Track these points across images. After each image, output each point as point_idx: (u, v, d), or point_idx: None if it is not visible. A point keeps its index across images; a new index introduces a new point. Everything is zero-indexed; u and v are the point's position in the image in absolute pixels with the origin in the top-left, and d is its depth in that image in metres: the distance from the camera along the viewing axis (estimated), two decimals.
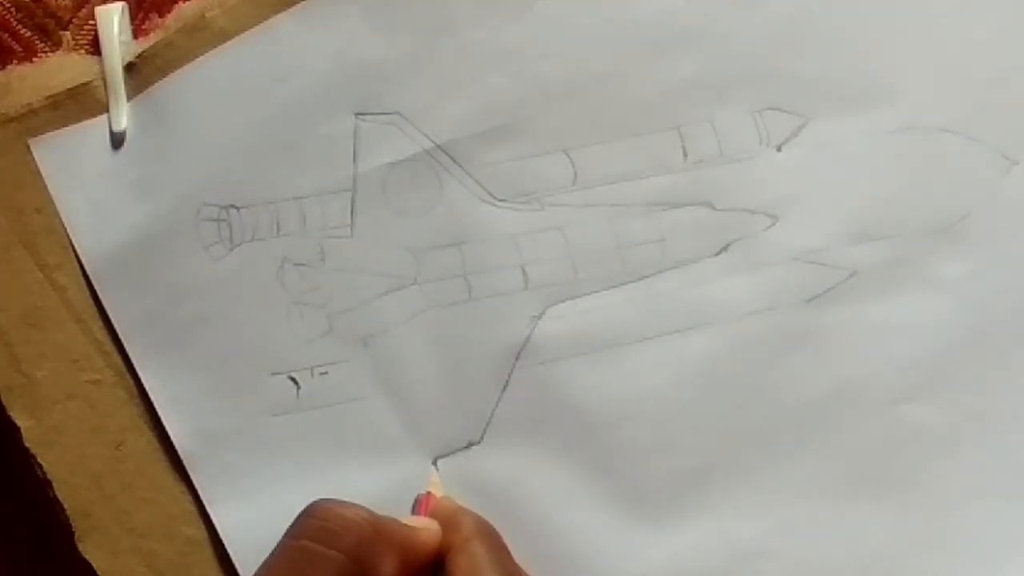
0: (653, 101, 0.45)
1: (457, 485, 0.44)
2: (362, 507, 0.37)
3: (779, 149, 0.45)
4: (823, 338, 0.43)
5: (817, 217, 0.44)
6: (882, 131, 0.45)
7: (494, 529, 0.41)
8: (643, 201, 0.45)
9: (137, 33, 0.50)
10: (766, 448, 0.43)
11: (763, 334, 0.44)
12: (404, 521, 0.39)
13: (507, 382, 0.44)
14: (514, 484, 0.44)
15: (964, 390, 0.43)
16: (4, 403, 0.47)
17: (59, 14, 0.51)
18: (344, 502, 0.37)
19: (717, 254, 0.44)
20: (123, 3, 0.50)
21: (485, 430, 0.44)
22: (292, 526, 0.36)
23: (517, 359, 0.44)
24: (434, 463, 0.44)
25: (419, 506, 0.42)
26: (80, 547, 0.46)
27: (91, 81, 0.49)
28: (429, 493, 0.43)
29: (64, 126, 0.49)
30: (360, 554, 0.35)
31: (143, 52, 0.49)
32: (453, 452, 0.44)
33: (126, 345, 0.46)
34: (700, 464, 0.43)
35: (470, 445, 0.44)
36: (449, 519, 0.40)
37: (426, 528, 0.39)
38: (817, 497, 0.43)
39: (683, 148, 0.45)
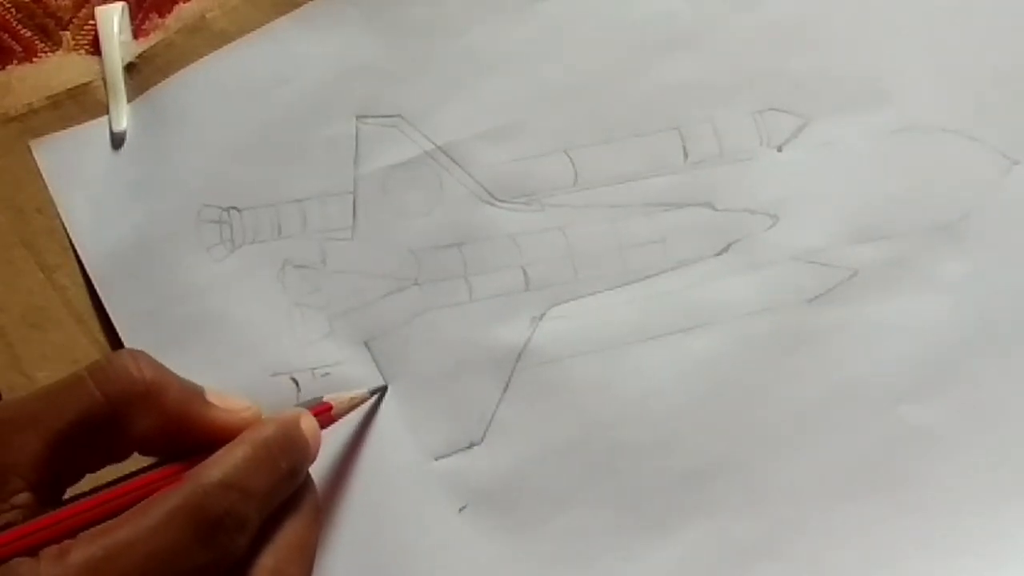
0: (654, 101, 0.45)
1: (458, 485, 0.44)
2: (160, 369, 0.37)
3: (780, 149, 0.45)
4: (824, 338, 0.43)
5: (818, 217, 0.44)
6: (882, 131, 0.45)
7: (289, 456, 0.38)
8: (644, 201, 0.45)
9: (137, 33, 0.50)
10: (767, 448, 0.43)
11: (764, 334, 0.44)
12: (217, 394, 0.39)
13: (508, 383, 0.44)
14: (515, 484, 0.44)
15: (965, 390, 0.43)
16: None
17: (59, 14, 0.51)
18: (147, 359, 0.37)
19: (718, 254, 0.44)
20: (123, 3, 0.50)
21: (486, 431, 0.44)
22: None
23: (518, 360, 0.44)
24: (377, 392, 0.45)
25: (308, 405, 0.41)
26: None
27: (91, 81, 0.49)
28: (324, 401, 0.42)
29: (64, 126, 0.49)
30: (119, 403, 0.36)
31: (143, 52, 0.49)
32: (454, 452, 0.44)
33: (127, 346, 0.46)
34: (701, 464, 0.43)
35: (471, 445, 0.44)
36: (267, 420, 0.39)
37: (225, 410, 0.38)
38: (818, 497, 0.42)
39: (684, 148, 0.45)
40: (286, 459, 0.37)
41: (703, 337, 0.44)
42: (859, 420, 0.43)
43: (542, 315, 0.44)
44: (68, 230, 0.48)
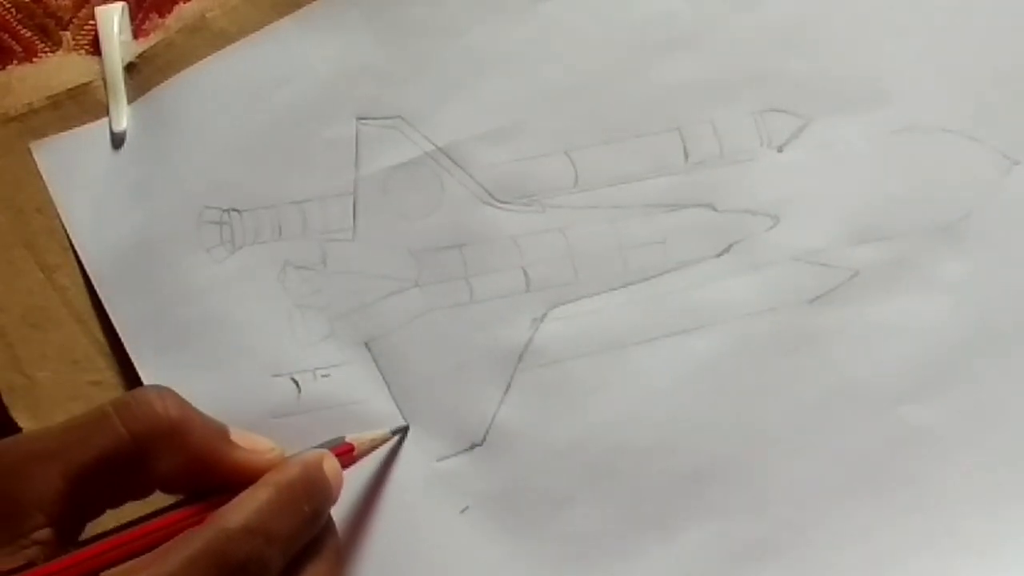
0: (654, 102, 0.45)
1: (460, 487, 0.44)
2: (186, 408, 0.37)
3: (780, 150, 0.45)
4: (825, 339, 0.43)
5: (818, 218, 0.44)
6: (883, 131, 0.45)
7: (310, 501, 0.38)
8: (644, 202, 0.45)
9: (137, 33, 0.50)
10: (768, 449, 0.43)
11: (765, 335, 0.44)
12: (241, 434, 0.39)
13: (509, 384, 0.44)
14: (516, 486, 0.44)
15: (965, 390, 0.43)
16: (6, 404, 0.47)
17: (59, 14, 0.51)
18: (173, 397, 0.37)
19: (718, 255, 0.44)
20: (123, 3, 0.50)
21: (487, 432, 0.44)
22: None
23: (519, 361, 0.44)
24: (398, 433, 0.44)
25: (330, 446, 0.41)
26: None
27: (91, 81, 0.49)
28: (346, 442, 0.41)
29: (64, 126, 0.49)
30: (144, 441, 0.36)
31: (143, 52, 0.49)
32: (455, 454, 0.44)
33: (127, 347, 0.46)
34: (702, 465, 0.43)
35: (472, 447, 0.44)
36: (290, 462, 0.39)
37: (250, 451, 0.38)
38: (819, 497, 0.42)
39: (684, 149, 0.45)
40: (309, 502, 0.37)
41: (704, 338, 0.44)
42: (860, 421, 0.43)
43: (543, 316, 0.44)
44: (68, 232, 0.48)
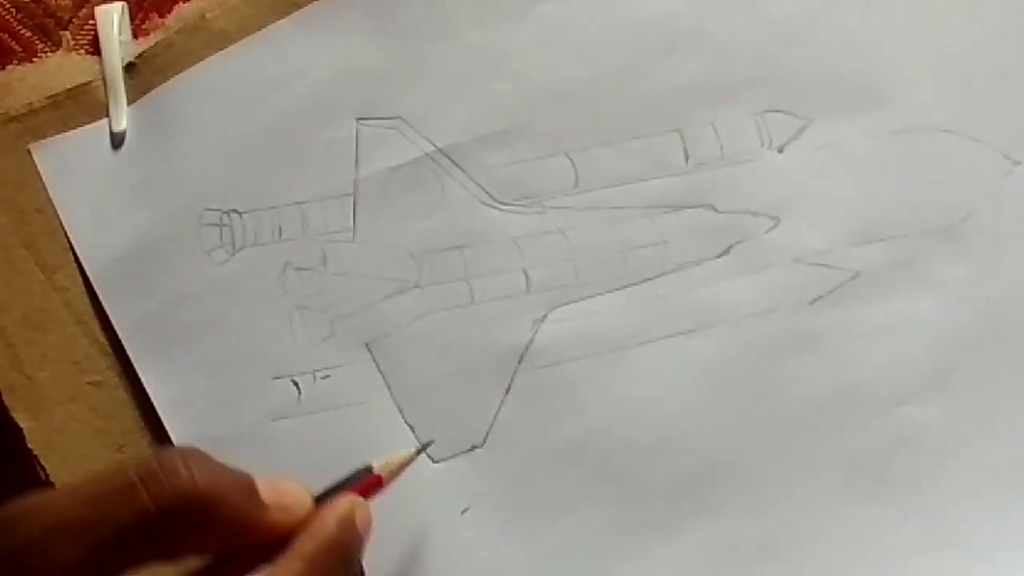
0: (654, 103, 0.45)
1: (460, 487, 0.44)
2: (213, 473, 0.36)
3: (781, 151, 0.45)
4: (825, 340, 0.43)
5: (819, 219, 0.44)
6: (883, 132, 0.45)
7: (346, 555, 0.38)
8: (645, 203, 0.45)
9: (137, 33, 0.50)
10: (769, 450, 0.43)
11: (765, 336, 0.44)
12: (270, 488, 0.37)
13: (509, 385, 0.44)
14: (517, 487, 0.44)
15: (966, 391, 0.43)
16: (6, 404, 0.47)
17: (59, 14, 0.51)
18: (199, 461, 0.36)
19: (719, 256, 0.44)
20: (123, 3, 0.50)
21: (488, 433, 0.44)
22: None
23: (520, 362, 0.44)
24: (422, 450, 0.43)
25: (354, 480, 0.40)
26: None
27: (91, 81, 0.49)
28: (373, 472, 0.41)
29: (64, 126, 0.49)
30: (172, 514, 0.35)
31: (143, 52, 0.49)
32: (456, 455, 0.44)
33: (128, 349, 0.46)
34: (703, 466, 0.43)
35: (473, 448, 0.44)
36: (324, 514, 0.38)
37: (280, 510, 0.37)
38: (820, 498, 0.43)
39: (685, 150, 0.45)
40: (341, 563, 0.37)
41: (705, 339, 0.44)
42: (860, 421, 0.43)
43: (543, 317, 0.44)
44: (68, 234, 0.48)
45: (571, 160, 0.45)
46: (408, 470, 0.42)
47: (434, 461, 0.44)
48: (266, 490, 0.37)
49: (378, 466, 0.41)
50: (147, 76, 0.49)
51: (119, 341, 0.47)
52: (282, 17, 0.48)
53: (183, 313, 0.46)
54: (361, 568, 0.40)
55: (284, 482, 0.38)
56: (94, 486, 0.35)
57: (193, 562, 0.37)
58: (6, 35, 0.51)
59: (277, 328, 0.46)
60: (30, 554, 0.34)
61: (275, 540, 0.36)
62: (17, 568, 0.34)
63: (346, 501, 0.39)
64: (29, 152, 0.49)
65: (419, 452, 0.43)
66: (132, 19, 0.50)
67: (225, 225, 0.46)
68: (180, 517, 0.35)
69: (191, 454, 0.36)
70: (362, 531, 0.38)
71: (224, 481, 0.36)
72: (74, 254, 0.48)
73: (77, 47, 0.51)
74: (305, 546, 0.36)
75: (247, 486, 0.37)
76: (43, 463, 0.46)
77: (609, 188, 0.45)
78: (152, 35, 0.50)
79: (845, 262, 0.44)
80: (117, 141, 0.49)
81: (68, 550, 0.34)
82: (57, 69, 0.50)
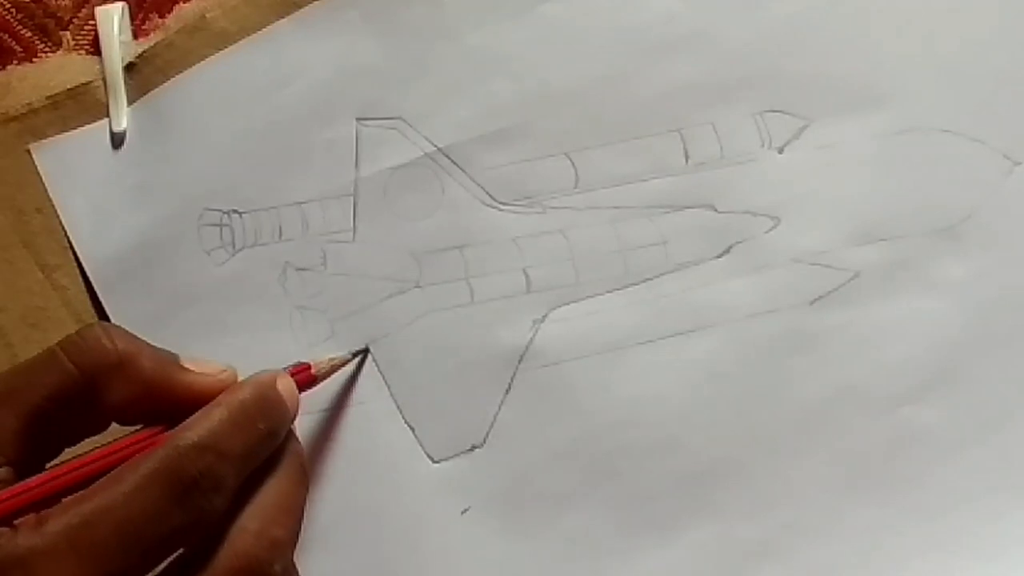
0: (654, 103, 0.45)
1: (460, 487, 0.44)
2: (134, 339, 0.37)
3: (781, 151, 0.45)
4: (825, 340, 0.43)
5: (819, 219, 0.44)
6: (883, 132, 0.45)
7: (265, 412, 0.38)
8: (645, 203, 0.45)
9: (137, 33, 0.50)
10: (769, 450, 0.43)
11: (765, 336, 0.44)
12: (192, 363, 0.38)
13: (509, 385, 0.44)
14: (517, 487, 0.44)
15: (966, 391, 0.43)
16: None
17: (59, 14, 0.51)
18: (120, 331, 0.37)
19: (719, 256, 0.44)
20: (123, 3, 0.50)
21: (488, 433, 0.44)
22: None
23: (519, 362, 0.44)
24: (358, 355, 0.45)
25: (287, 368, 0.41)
26: None
27: (91, 81, 0.49)
28: (303, 364, 0.41)
29: (64, 126, 0.49)
30: (93, 375, 0.36)
31: (143, 52, 0.49)
32: (456, 455, 0.44)
33: None
34: (703, 466, 0.43)
35: (473, 448, 0.44)
36: (243, 382, 0.39)
37: (202, 374, 0.38)
38: (820, 499, 0.43)
39: (685, 150, 0.45)
40: (264, 419, 0.37)
41: (705, 339, 0.44)
42: (860, 421, 0.43)
43: (544, 317, 0.44)
44: (68, 234, 0.48)
45: (571, 160, 0.45)
46: (408, 470, 0.42)
47: (434, 461, 0.44)
48: (189, 360, 0.38)
49: (314, 362, 0.42)
50: (147, 76, 0.49)
51: None
52: (282, 17, 0.48)
53: (183, 313, 0.46)
54: (295, 443, 0.40)
55: (208, 359, 0.39)
56: (21, 363, 0.36)
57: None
58: (6, 35, 0.51)
59: (277, 328, 0.46)
60: None
61: (199, 404, 0.37)
62: None
63: (270, 370, 0.39)
64: (29, 152, 0.49)
65: (354, 356, 0.44)
66: (132, 19, 0.50)
67: (225, 225, 0.46)
68: (101, 376, 0.36)
69: (112, 327, 0.37)
70: (287, 398, 0.39)
71: (143, 347, 0.37)
72: (74, 254, 0.48)
73: (77, 47, 0.51)
74: (226, 396, 0.37)
75: (169, 354, 0.38)
76: None
77: (609, 188, 0.45)
78: (152, 35, 0.50)
79: (845, 262, 0.44)
80: (117, 141, 0.49)
81: (1, 420, 0.35)
82: (57, 69, 0.50)
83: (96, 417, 0.37)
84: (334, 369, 0.43)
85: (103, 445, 0.36)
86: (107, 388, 0.36)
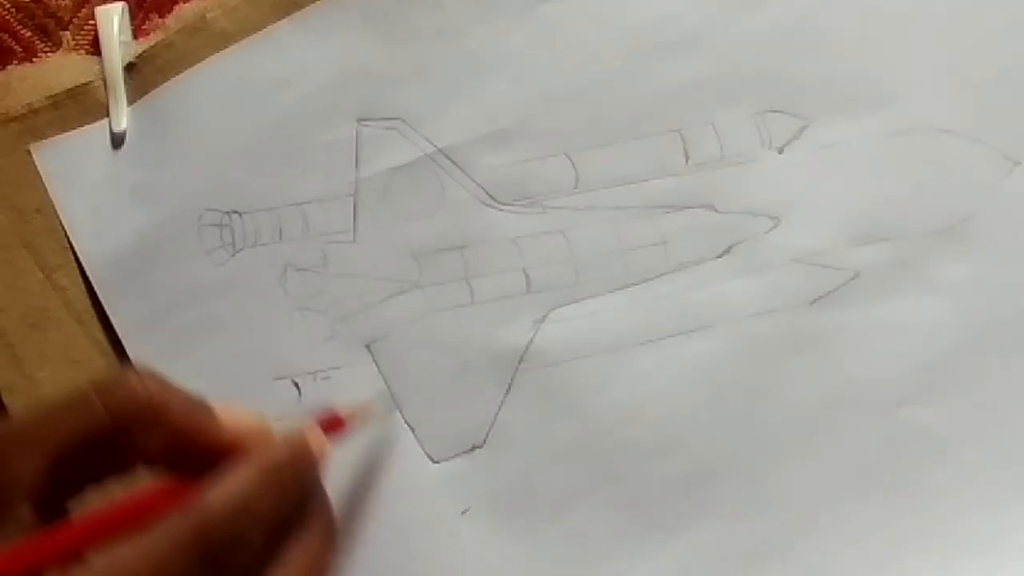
0: (654, 104, 0.45)
1: (460, 488, 0.44)
2: (166, 386, 0.37)
3: (781, 151, 0.45)
4: (826, 340, 0.43)
5: (819, 219, 0.44)
6: (883, 132, 0.45)
7: (299, 468, 0.38)
8: (645, 204, 0.45)
9: (137, 33, 0.50)
10: (769, 450, 0.43)
11: (766, 336, 0.44)
12: (224, 407, 0.38)
13: (510, 385, 0.44)
14: (517, 487, 0.44)
15: (967, 391, 0.43)
16: (5, 404, 0.47)
17: (59, 14, 0.51)
18: (154, 376, 0.37)
19: (719, 256, 0.44)
20: (123, 3, 0.50)
21: (488, 433, 0.44)
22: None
23: (520, 362, 0.44)
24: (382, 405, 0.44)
25: (315, 416, 0.40)
26: None
27: (91, 81, 0.49)
28: (333, 414, 0.41)
29: (64, 126, 0.49)
30: (124, 420, 0.36)
31: (143, 52, 0.49)
32: (456, 455, 0.44)
33: (127, 349, 0.46)
34: (703, 467, 0.43)
35: (473, 448, 0.44)
36: (274, 439, 0.38)
37: (233, 425, 0.38)
38: (820, 499, 0.43)
39: (685, 151, 0.45)
40: (295, 479, 0.37)
41: (705, 339, 0.44)
42: (861, 421, 0.43)
43: (544, 317, 0.44)
44: (68, 234, 0.48)
45: (571, 160, 0.45)
46: (408, 471, 0.43)
47: (434, 461, 0.44)
48: (220, 408, 0.38)
49: (344, 412, 0.41)
50: (147, 76, 0.49)
51: (119, 341, 0.47)
52: (282, 17, 0.48)
53: (183, 313, 0.46)
54: (324, 498, 0.39)
55: (240, 407, 0.39)
56: (52, 402, 0.36)
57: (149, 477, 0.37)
58: (6, 35, 0.51)
59: (278, 329, 0.46)
60: None
61: (229, 453, 0.37)
62: None
63: (301, 423, 0.39)
64: (29, 152, 0.49)
65: (382, 405, 0.44)
66: (132, 19, 0.50)
67: (226, 225, 0.46)
68: (131, 421, 0.36)
69: (145, 371, 0.37)
70: (317, 453, 0.38)
71: (176, 393, 0.37)
72: (74, 254, 0.48)
73: (77, 47, 0.51)
74: (257, 455, 0.37)
75: (200, 401, 0.38)
76: None
77: (609, 188, 0.45)
78: (152, 35, 0.50)
79: (845, 262, 0.44)
80: (117, 141, 0.48)
81: (27, 461, 0.35)
82: (57, 69, 0.50)
83: (123, 460, 0.37)
84: (364, 419, 0.43)
85: (130, 493, 0.36)
86: (137, 434, 0.36)
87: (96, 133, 0.48)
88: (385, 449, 0.44)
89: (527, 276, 0.45)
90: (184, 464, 0.37)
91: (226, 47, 0.48)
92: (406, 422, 0.45)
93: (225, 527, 0.34)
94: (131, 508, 0.35)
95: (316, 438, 0.39)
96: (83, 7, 0.51)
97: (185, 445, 0.37)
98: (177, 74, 0.48)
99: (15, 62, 0.51)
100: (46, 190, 0.48)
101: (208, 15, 0.48)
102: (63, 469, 0.35)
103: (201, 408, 0.37)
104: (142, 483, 0.37)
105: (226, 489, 0.35)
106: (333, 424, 0.40)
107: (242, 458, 0.36)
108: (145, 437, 0.36)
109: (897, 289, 0.44)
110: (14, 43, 0.51)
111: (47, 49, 0.51)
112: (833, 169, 0.45)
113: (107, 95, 0.49)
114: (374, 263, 0.46)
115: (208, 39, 0.48)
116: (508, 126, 0.46)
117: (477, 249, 0.45)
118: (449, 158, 0.46)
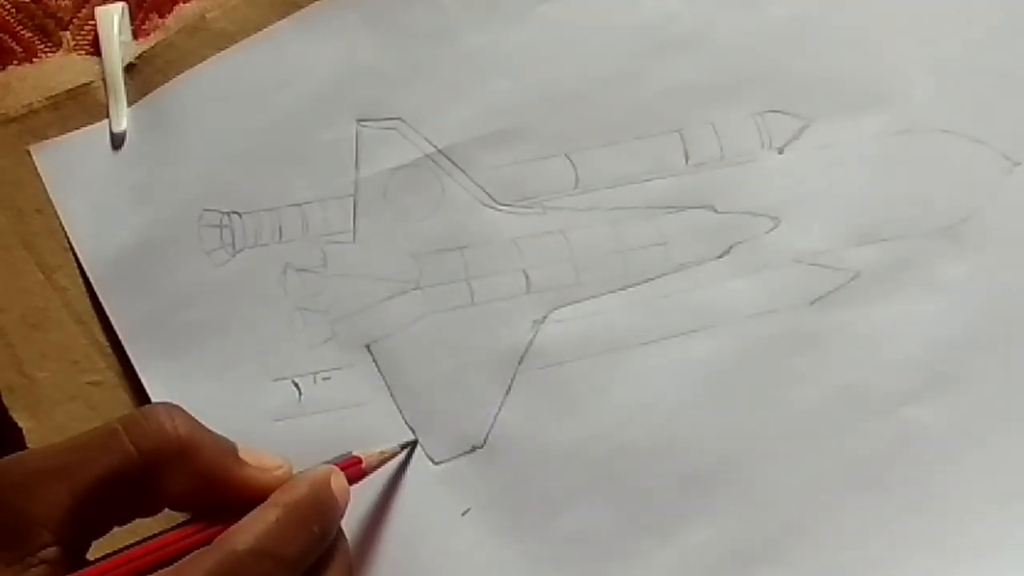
0: (654, 104, 0.45)
1: (461, 489, 0.44)
2: (195, 426, 0.37)
3: (781, 151, 0.45)
4: (826, 340, 0.43)
5: (819, 219, 0.44)
6: (883, 132, 0.45)
7: (320, 515, 0.38)
8: (645, 204, 0.45)
9: (137, 34, 0.50)
10: (769, 451, 0.43)
11: (766, 337, 0.44)
12: (250, 451, 0.38)
13: (510, 386, 0.44)
14: (517, 488, 0.44)
15: (967, 392, 0.43)
16: (6, 404, 0.47)
17: (59, 14, 0.51)
18: (182, 415, 0.37)
19: (719, 257, 0.44)
20: (123, 3, 0.50)
21: (488, 434, 0.44)
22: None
23: (520, 363, 0.44)
24: (407, 447, 0.44)
25: (338, 461, 0.41)
26: None
27: (91, 82, 0.49)
28: (354, 456, 0.41)
29: (64, 126, 0.49)
30: (152, 459, 0.36)
31: (143, 53, 0.49)
32: (456, 456, 0.44)
33: (128, 350, 0.46)
34: (703, 467, 0.43)
35: (473, 449, 0.44)
36: (298, 481, 0.38)
37: (258, 468, 0.38)
38: (820, 500, 0.43)
39: (685, 151, 0.45)
40: (317, 521, 0.37)
41: (705, 340, 0.44)
42: (861, 422, 0.43)
43: (544, 318, 0.44)
44: (68, 234, 0.48)
45: (571, 160, 0.45)
46: (393, 463, 0.43)
47: (435, 462, 0.44)
48: (246, 451, 0.38)
49: (360, 453, 0.42)
50: (147, 76, 0.49)
51: (119, 341, 0.47)
52: (282, 17, 0.48)
53: (183, 314, 0.46)
54: (342, 539, 0.40)
55: (265, 451, 0.39)
56: (80, 436, 0.36)
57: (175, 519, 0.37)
58: (6, 35, 0.51)
59: (277, 329, 0.46)
60: (17, 499, 0.35)
61: (254, 498, 0.37)
62: (2, 514, 0.34)
63: (323, 467, 0.39)
64: (29, 153, 0.49)
65: (403, 448, 0.44)
66: (132, 19, 0.50)
67: (225, 226, 0.46)
68: (160, 462, 0.36)
69: (175, 409, 0.37)
70: (339, 497, 0.39)
71: (204, 434, 0.37)
72: (74, 254, 0.48)
73: (77, 47, 0.51)
74: (281, 497, 0.37)
75: (227, 444, 0.38)
76: None
77: (609, 188, 0.45)
78: (152, 35, 0.50)
79: (845, 263, 0.44)
80: (117, 142, 0.48)
81: (54, 495, 0.35)
82: (57, 69, 0.50)
83: (150, 501, 0.37)
84: (383, 461, 0.43)
85: (155, 535, 0.36)
86: (165, 475, 0.36)
87: (96, 133, 0.48)
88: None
89: (527, 276, 0.45)
90: (209, 507, 0.37)
91: (226, 47, 0.48)
92: (406, 423, 0.45)
93: (251, 569, 0.34)
94: (156, 549, 0.35)
95: (338, 482, 0.39)
96: (83, 7, 0.51)
97: (211, 487, 0.37)
98: (177, 74, 0.48)
99: (15, 62, 0.51)
100: (46, 190, 0.48)
101: (208, 15, 0.48)
102: (89, 506, 0.35)
103: (228, 452, 0.38)
104: (167, 523, 0.37)
105: (251, 531, 0.35)
106: (353, 468, 0.41)
107: (266, 500, 0.37)
108: (173, 478, 0.36)
109: (897, 289, 0.44)
110: (14, 43, 0.51)
111: (47, 49, 0.51)
112: (833, 169, 0.45)
113: (107, 95, 0.49)
114: (374, 263, 0.46)
115: (208, 39, 0.48)
116: (508, 126, 0.46)
117: (477, 249, 0.45)
118: (449, 158, 0.46)
